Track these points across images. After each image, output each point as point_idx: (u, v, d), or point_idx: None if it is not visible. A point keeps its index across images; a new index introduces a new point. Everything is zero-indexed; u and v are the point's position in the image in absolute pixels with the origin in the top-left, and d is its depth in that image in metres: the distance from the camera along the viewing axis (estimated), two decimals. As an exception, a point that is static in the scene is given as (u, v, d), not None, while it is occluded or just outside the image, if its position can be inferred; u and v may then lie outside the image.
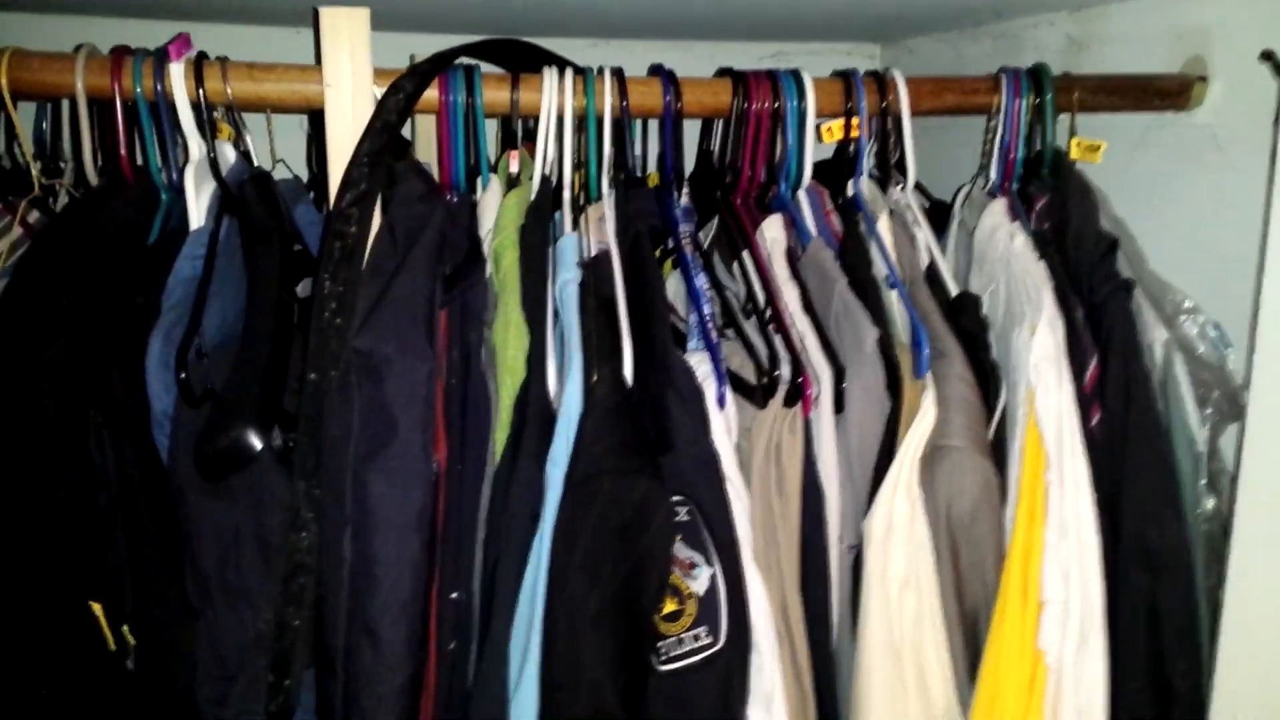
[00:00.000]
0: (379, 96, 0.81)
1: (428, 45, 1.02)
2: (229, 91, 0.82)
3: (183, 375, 0.70)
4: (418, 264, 0.75)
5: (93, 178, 0.84)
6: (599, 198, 0.90)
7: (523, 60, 0.93)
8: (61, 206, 0.87)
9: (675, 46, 1.43)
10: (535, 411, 0.73)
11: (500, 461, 0.72)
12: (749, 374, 0.80)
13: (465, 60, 0.88)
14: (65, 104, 0.91)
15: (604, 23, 1.27)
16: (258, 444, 0.67)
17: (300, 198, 0.96)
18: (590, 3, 1.09)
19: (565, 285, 0.79)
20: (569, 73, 0.87)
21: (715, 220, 0.95)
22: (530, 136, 0.92)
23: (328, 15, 0.80)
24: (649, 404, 0.74)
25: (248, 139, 0.86)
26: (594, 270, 0.82)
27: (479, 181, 0.89)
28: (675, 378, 0.75)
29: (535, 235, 0.82)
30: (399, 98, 0.81)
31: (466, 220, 0.84)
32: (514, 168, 0.89)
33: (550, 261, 0.82)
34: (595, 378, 0.73)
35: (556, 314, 0.79)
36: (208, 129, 0.82)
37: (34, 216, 0.87)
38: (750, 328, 0.83)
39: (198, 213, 0.81)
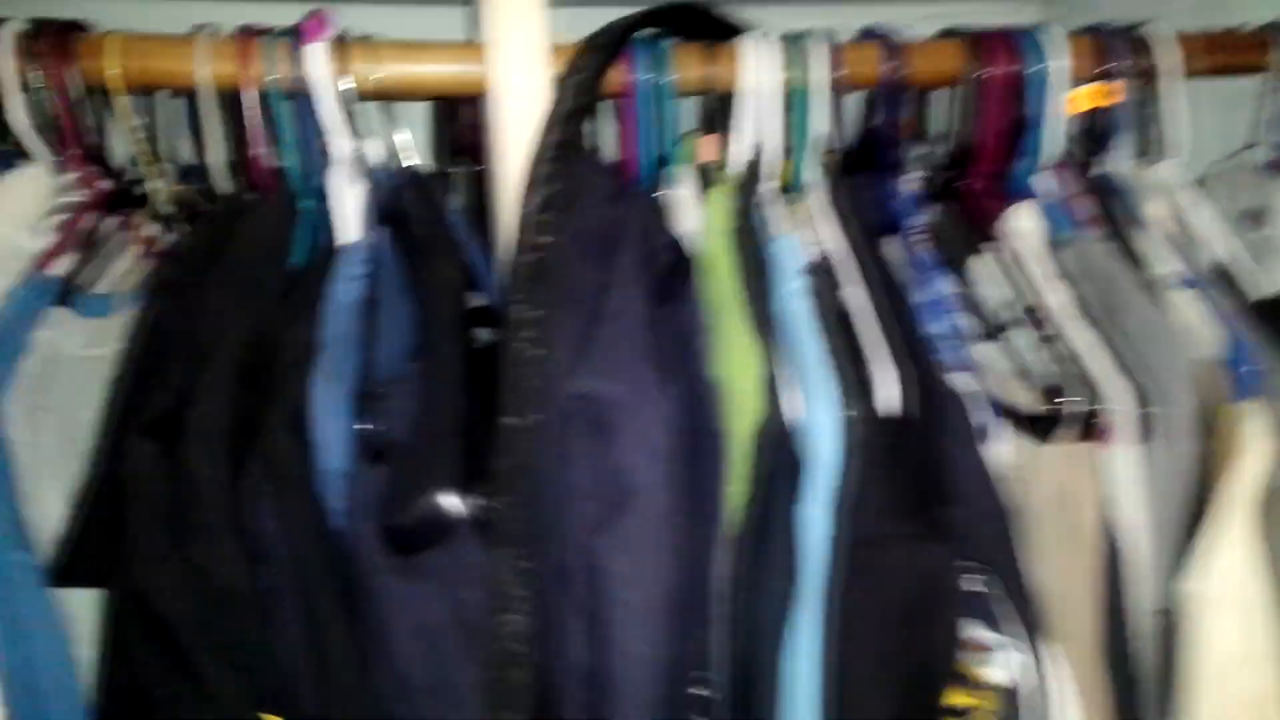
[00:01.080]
0: (553, 77, 0.68)
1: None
2: (377, 76, 0.69)
3: (357, 425, 0.58)
4: (627, 280, 0.62)
5: (222, 184, 0.71)
6: (803, 188, 0.76)
7: (699, 28, 0.79)
8: (167, 214, 0.74)
9: (816, 12, 1.27)
10: (783, 457, 0.59)
11: (744, 521, 0.59)
12: (1020, 399, 0.66)
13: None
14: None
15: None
16: (459, 510, 0.54)
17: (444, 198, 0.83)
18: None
19: (791, 297, 0.65)
20: (773, 40, 0.73)
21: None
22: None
23: (498, -21, 0.67)
24: (918, 443, 0.60)
25: (404, 132, 0.73)
26: (822, 277, 0.68)
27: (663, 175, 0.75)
28: (946, 408, 0.61)
29: (752, 238, 0.68)
30: (582, 78, 0.67)
31: (664, 223, 0.70)
32: (708, 156, 0.75)
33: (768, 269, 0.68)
34: (853, 412, 0.59)
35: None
36: (354, 122, 0.69)
37: (151, 229, 0.74)
38: (1017, 340, 0.68)
39: (349, 223, 0.68)
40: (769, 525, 0.58)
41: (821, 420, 0.59)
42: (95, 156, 0.71)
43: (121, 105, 0.69)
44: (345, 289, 0.65)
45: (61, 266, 0.64)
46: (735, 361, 0.62)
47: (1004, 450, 0.64)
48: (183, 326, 0.63)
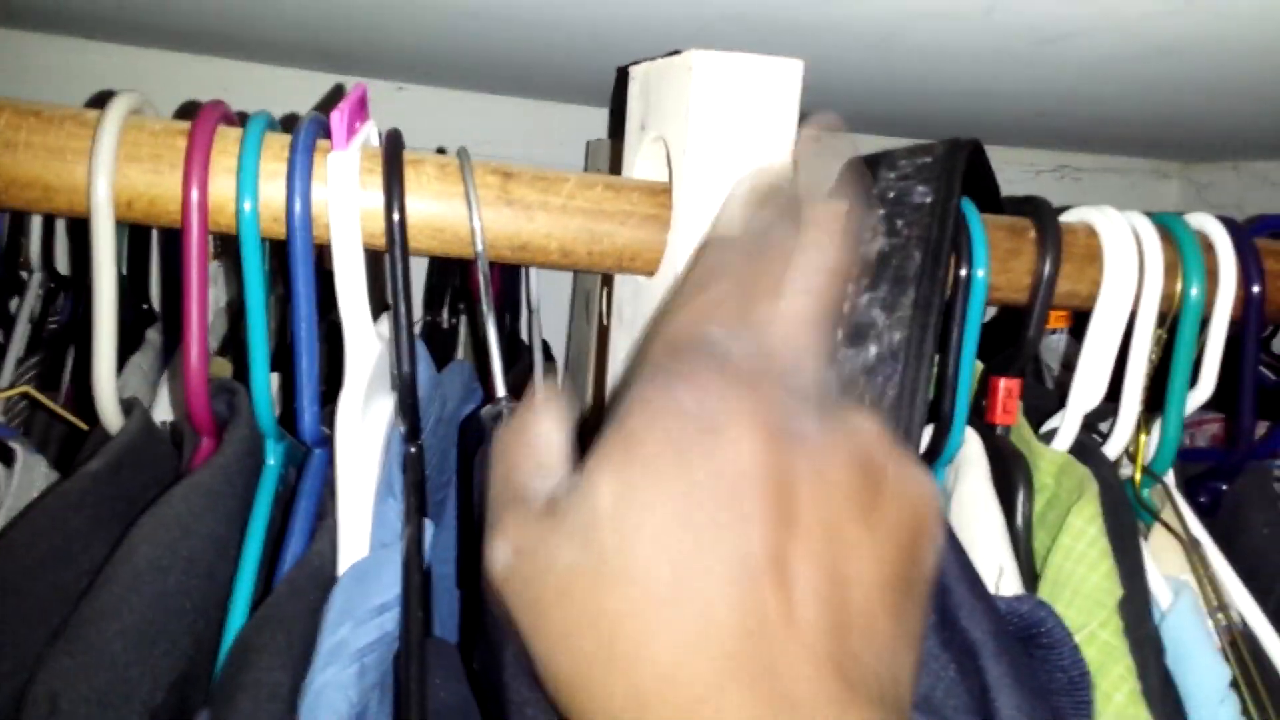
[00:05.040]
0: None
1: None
2: (482, 223, 0.34)
3: None
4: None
5: (113, 418, 0.34)
6: (1156, 486, 0.44)
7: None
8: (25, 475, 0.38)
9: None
10: None
11: None
12: None
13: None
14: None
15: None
16: None
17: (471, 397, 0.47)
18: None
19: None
20: (1135, 220, 0.42)
21: None
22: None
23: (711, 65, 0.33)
24: None
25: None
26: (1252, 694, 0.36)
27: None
28: None
29: (1143, 628, 0.37)
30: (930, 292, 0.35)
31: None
32: (1004, 412, 0.42)
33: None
34: None
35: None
36: (401, 291, 0.34)
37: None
38: None
39: (365, 507, 0.33)
40: None
41: None
42: None
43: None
44: (343, 689, 0.29)
45: None
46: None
47: None
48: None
